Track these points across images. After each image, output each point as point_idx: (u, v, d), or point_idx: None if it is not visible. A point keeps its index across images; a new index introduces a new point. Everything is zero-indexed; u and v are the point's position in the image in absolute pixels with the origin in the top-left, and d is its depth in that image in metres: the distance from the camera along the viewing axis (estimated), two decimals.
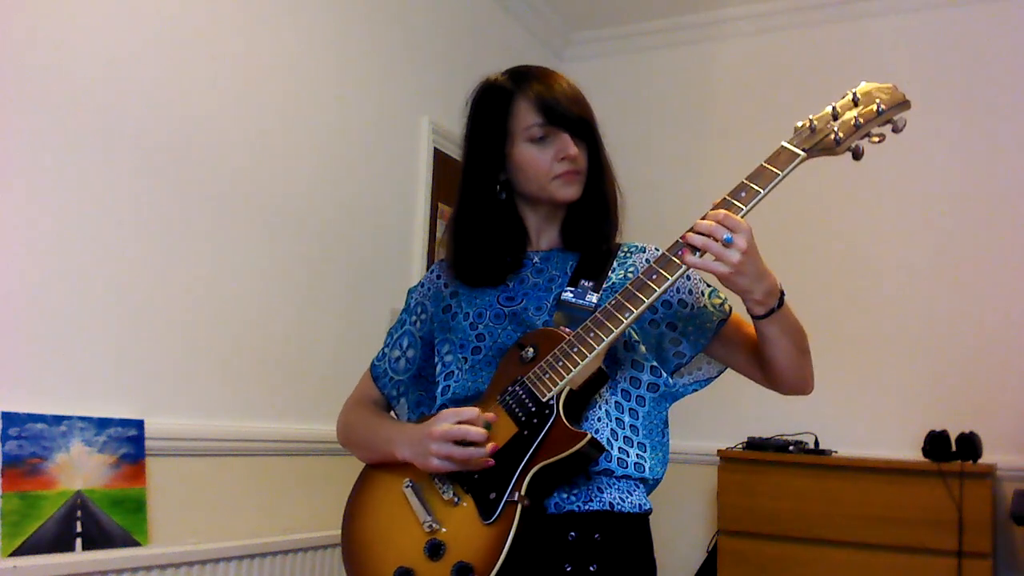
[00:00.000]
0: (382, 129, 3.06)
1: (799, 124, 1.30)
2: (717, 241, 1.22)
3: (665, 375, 1.41)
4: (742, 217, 1.25)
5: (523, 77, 1.44)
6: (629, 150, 3.89)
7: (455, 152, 3.29)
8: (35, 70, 1.96)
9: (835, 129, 1.27)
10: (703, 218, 1.26)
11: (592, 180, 1.45)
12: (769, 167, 1.28)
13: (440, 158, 3.28)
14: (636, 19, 4.02)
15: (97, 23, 2.09)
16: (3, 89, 1.90)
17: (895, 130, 1.28)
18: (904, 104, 1.28)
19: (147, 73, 2.20)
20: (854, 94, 1.29)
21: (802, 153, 1.27)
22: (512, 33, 3.85)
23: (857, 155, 1.29)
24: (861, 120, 1.26)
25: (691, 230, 1.25)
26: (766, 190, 1.26)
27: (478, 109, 1.47)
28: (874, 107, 1.27)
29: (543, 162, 1.41)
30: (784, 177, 1.26)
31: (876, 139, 1.28)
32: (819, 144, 1.27)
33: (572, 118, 1.41)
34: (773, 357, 1.37)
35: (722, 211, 1.25)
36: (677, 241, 1.28)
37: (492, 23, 3.73)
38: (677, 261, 1.26)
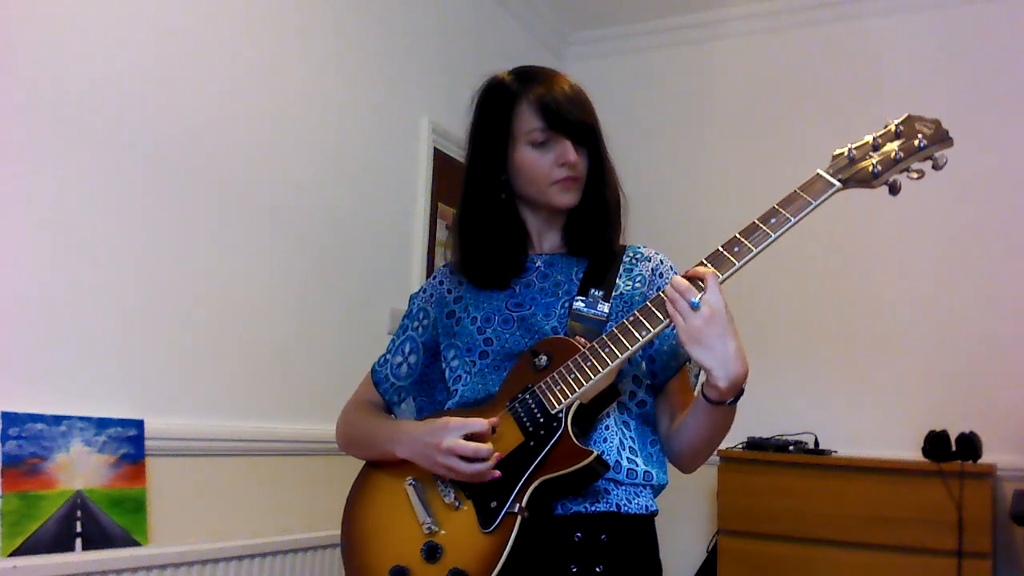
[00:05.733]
0: (382, 129, 3.06)
1: (837, 152, 1.26)
2: (685, 301, 1.20)
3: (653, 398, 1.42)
4: (763, 248, 1.23)
5: (528, 79, 1.42)
6: (629, 150, 3.89)
7: (455, 152, 3.29)
8: (36, 72, 1.95)
9: (874, 161, 1.23)
10: (686, 274, 1.24)
11: (593, 185, 1.44)
12: (803, 195, 1.24)
13: (440, 158, 3.27)
14: (636, 19, 4.02)
15: (98, 24, 2.09)
16: (4, 91, 1.90)
17: (935, 167, 1.23)
18: (947, 141, 1.23)
19: (146, 74, 2.20)
20: (897, 126, 1.25)
21: (838, 184, 1.23)
22: (512, 33, 3.85)
23: (894, 190, 1.24)
24: (902, 154, 1.22)
25: (670, 284, 1.23)
26: (797, 218, 1.23)
27: (482, 108, 1.46)
28: (916, 142, 1.22)
29: (543, 167, 1.39)
30: (817, 206, 1.23)
31: (915, 175, 1.24)
32: (856, 175, 1.23)
33: (574, 123, 1.39)
34: (687, 433, 1.34)
35: (709, 270, 1.22)
36: (701, 262, 1.25)
37: (492, 23, 3.73)
38: (700, 283, 1.23)
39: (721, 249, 1.25)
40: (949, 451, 2.92)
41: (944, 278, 3.32)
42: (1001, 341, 3.19)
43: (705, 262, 1.25)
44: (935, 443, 2.95)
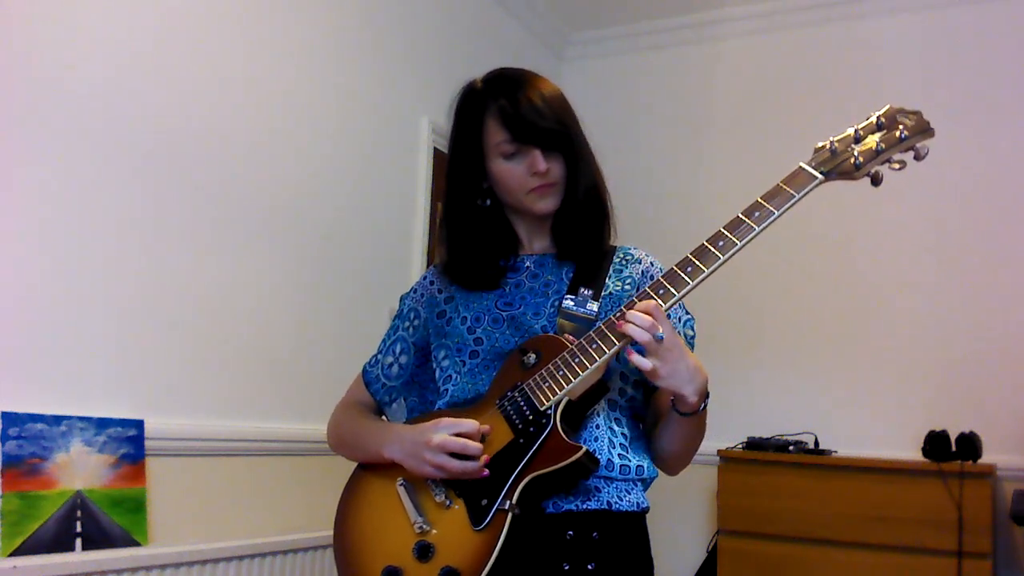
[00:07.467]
0: (382, 129, 3.06)
1: (819, 145, 1.27)
2: (654, 339, 1.20)
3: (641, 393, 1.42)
4: (752, 236, 1.23)
5: (495, 90, 1.41)
6: (628, 150, 3.91)
7: None
8: (36, 73, 1.96)
9: (856, 153, 1.24)
10: (638, 299, 1.23)
11: (574, 187, 1.42)
12: (785, 188, 1.25)
13: (440, 158, 3.27)
14: (636, 19, 4.02)
15: (98, 26, 2.09)
16: (4, 91, 1.90)
17: (917, 158, 1.25)
18: (928, 132, 1.25)
19: (147, 75, 2.21)
20: (878, 118, 1.26)
21: (820, 176, 1.24)
22: (512, 33, 3.86)
23: (876, 181, 1.26)
24: (883, 145, 1.24)
25: (624, 316, 1.22)
26: (780, 211, 1.23)
27: (458, 119, 1.46)
28: (897, 133, 1.24)
29: (516, 177, 1.40)
30: (799, 199, 1.24)
31: (897, 166, 1.25)
32: (838, 167, 1.25)
33: (540, 132, 1.37)
34: (666, 443, 1.38)
35: (651, 302, 1.22)
36: (687, 257, 1.26)
37: (492, 23, 3.73)
38: (685, 278, 1.24)
39: (706, 244, 1.25)
40: (949, 451, 2.92)
41: (944, 278, 3.32)
42: (1001, 341, 3.19)
43: (690, 256, 1.25)
44: (935, 443, 2.95)
